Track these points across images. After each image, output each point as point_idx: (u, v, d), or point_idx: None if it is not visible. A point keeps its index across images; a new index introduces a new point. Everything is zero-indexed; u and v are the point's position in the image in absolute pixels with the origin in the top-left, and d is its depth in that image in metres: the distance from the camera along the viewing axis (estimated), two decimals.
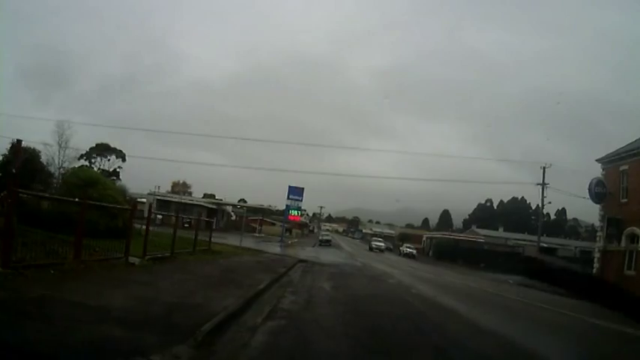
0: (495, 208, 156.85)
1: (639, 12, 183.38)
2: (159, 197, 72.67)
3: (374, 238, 78.96)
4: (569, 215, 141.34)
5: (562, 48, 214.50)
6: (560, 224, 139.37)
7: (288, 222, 68.05)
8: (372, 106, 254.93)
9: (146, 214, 21.33)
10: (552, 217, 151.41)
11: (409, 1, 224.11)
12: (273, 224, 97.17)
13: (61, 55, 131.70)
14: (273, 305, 10.43)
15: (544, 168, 44.57)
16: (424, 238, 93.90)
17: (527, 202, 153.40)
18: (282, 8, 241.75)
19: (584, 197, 41.93)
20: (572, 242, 73.79)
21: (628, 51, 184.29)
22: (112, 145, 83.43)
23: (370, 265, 32.92)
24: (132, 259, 14.35)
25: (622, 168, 28.91)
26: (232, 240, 34.50)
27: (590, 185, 29.77)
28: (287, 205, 57.29)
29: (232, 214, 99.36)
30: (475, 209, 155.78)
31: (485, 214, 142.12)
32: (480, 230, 73.56)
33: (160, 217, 68.58)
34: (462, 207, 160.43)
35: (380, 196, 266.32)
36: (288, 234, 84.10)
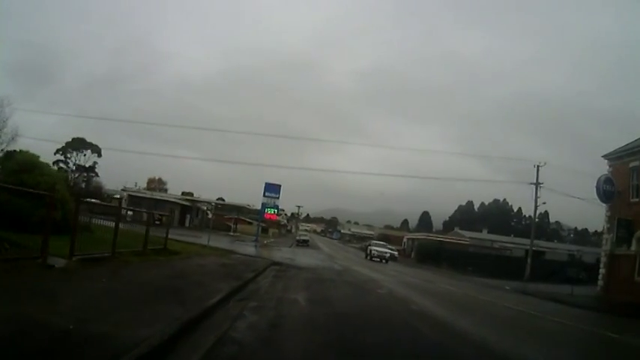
0: (476, 210, 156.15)
1: (623, 17, 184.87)
2: (131, 193, 69.02)
3: (373, 242, 56.63)
4: (552, 218, 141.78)
5: (545, 52, 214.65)
6: (543, 227, 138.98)
7: (264, 221, 65.02)
8: (353, 107, 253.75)
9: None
10: (536, 219, 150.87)
11: (392, 5, 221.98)
12: (250, 223, 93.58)
13: (43, 51, 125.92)
14: (221, 333, 7.12)
15: (537, 167, 42.23)
16: (404, 240, 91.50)
17: (510, 204, 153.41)
18: (264, 8, 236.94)
19: (579, 198, 39.94)
20: (559, 245, 71.97)
21: (613, 55, 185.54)
22: (88, 140, 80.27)
23: (352, 269, 29.63)
24: (54, 260, 11.13)
25: (632, 164, 26.32)
26: (205, 239, 31.31)
27: (597, 183, 27.04)
28: (263, 203, 54.09)
29: (209, 212, 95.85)
30: (456, 211, 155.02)
31: (465, 216, 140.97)
32: (464, 232, 71.06)
33: (130, 213, 64.93)
34: (442, 209, 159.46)
35: (358, 196, 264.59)
36: (264, 234, 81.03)
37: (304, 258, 33.63)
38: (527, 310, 17.91)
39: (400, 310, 13.02)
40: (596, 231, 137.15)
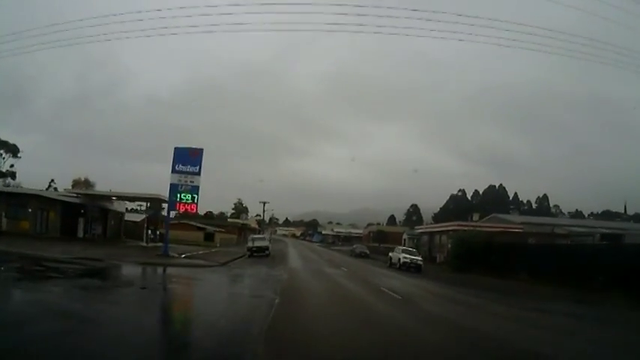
0: (470, 198, 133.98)
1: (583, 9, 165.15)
2: None
3: (399, 249, 37.64)
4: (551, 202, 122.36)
5: (507, 45, 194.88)
6: (542, 211, 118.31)
7: (183, 215, 39.57)
8: (322, 110, 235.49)
9: None
10: (534, 204, 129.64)
11: (352, 4, 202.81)
12: (203, 228, 67.27)
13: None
14: None
15: None
16: (404, 237, 67.01)
17: (506, 189, 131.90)
18: (225, 16, 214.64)
19: None
20: (633, 226, 47.47)
21: (576, 45, 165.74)
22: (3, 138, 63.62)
23: None
24: None
25: None
26: None
27: None
28: (172, 185, 28.19)
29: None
30: (447, 201, 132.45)
31: (458, 206, 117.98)
32: (503, 216, 45.58)
33: None
34: (429, 202, 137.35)
35: (337, 198, 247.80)
36: (207, 241, 55.10)
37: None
38: None
39: None
40: (592, 213, 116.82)
